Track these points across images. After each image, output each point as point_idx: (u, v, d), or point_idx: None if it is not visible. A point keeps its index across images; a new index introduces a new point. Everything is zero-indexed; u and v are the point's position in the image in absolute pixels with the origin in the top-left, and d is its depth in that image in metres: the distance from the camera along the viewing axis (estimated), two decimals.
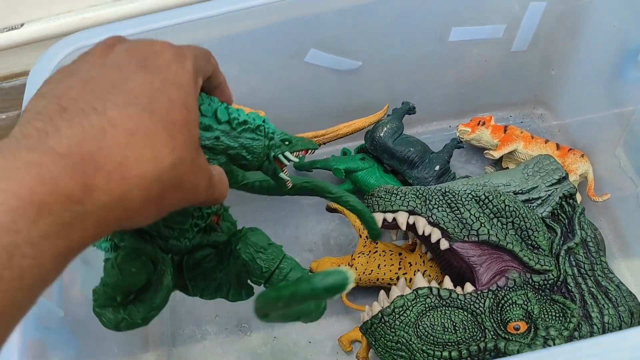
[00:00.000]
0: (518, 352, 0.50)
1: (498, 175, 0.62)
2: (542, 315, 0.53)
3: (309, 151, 0.39)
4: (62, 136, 0.25)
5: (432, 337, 0.52)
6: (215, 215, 0.42)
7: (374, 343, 0.53)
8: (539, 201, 0.60)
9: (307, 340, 0.62)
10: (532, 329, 0.53)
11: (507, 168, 0.70)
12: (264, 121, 0.38)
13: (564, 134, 0.72)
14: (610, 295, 0.55)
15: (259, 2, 0.58)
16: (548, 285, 0.55)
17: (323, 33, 0.63)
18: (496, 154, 0.68)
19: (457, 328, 0.53)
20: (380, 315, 0.52)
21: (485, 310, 0.54)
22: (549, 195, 0.60)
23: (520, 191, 0.60)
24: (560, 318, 0.53)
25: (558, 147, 0.67)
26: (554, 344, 0.50)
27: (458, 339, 0.52)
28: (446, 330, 0.53)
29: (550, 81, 0.71)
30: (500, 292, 0.54)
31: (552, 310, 0.54)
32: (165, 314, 0.66)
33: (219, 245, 0.43)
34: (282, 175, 0.39)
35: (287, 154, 0.39)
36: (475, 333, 0.53)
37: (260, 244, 0.43)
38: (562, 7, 0.62)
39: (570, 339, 0.52)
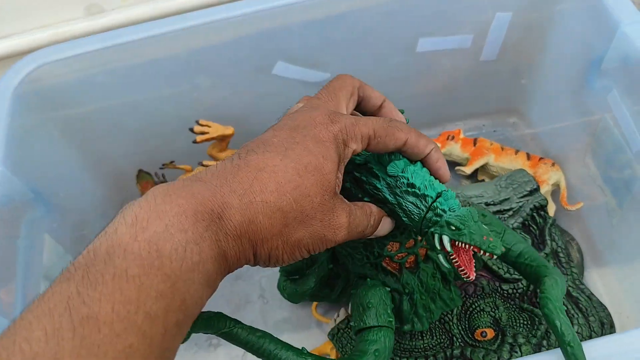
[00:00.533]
0: (484, 358, 0.50)
1: (471, 187, 0.62)
2: (510, 323, 0.53)
3: (483, 253, 0.36)
4: (208, 170, 0.32)
5: (399, 344, 0.51)
6: (394, 261, 0.44)
7: (341, 349, 0.53)
8: (510, 212, 0.60)
9: None
10: (500, 336, 0.52)
11: (483, 181, 0.70)
12: (440, 194, 0.37)
13: (537, 143, 0.72)
14: (581, 306, 0.55)
15: (223, 15, 0.58)
16: (517, 294, 0.55)
17: (290, 45, 0.63)
18: (467, 170, 0.68)
19: (424, 335, 0.53)
20: (347, 320, 0.52)
21: (453, 318, 0.53)
22: (520, 207, 0.60)
23: (492, 202, 0.60)
24: (528, 326, 0.53)
25: (529, 157, 0.67)
26: (521, 351, 0.50)
27: (425, 345, 0.52)
28: (414, 337, 0.52)
29: (521, 90, 0.71)
30: (469, 300, 0.54)
31: (521, 318, 0.54)
32: None
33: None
34: (438, 257, 0.39)
35: (445, 238, 0.37)
36: (442, 340, 0.53)
37: None
38: (527, 18, 0.62)
39: (538, 347, 0.52)
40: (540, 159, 0.67)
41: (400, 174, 0.38)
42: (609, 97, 0.55)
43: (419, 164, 0.39)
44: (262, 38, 0.61)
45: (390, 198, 0.39)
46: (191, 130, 0.63)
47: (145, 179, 0.67)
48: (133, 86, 0.64)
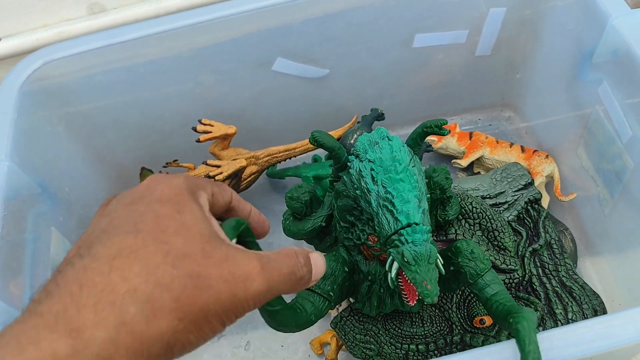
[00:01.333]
0: (483, 343, 0.51)
1: (468, 180, 0.64)
2: None
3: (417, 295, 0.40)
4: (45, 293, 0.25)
5: (400, 330, 0.53)
6: (370, 250, 0.47)
7: (343, 337, 0.54)
8: (506, 205, 0.61)
9: (279, 344, 0.62)
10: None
11: (479, 173, 0.71)
12: (410, 225, 0.40)
13: (531, 136, 0.74)
14: (575, 294, 0.57)
15: (224, 13, 0.60)
16: (514, 283, 0.56)
17: (289, 42, 0.64)
18: (463, 162, 0.70)
19: (425, 322, 0.54)
20: (349, 308, 0.53)
21: (452, 306, 0.55)
22: (515, 200, 0.61)
23: (488, 195, 0.62)
24: None
25: (523, 149, 0.68)
26: None
27: (426, 332, 0.53)
28: (414, 324, 0.54)
29: (515, 84, 0.73)
30: (466, 290, 0.55)
31: None
32: None
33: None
34: (389, 273, 0.41)
35: (395, 264, 0.40)
36: (442, 327, 0.54)
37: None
38: (521, 13, 0.64)
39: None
40: (535, 151, 0.68)
41: (390, 188, 0.41)
42: (600, 90, 0.56)
43: (412, 183, 0.42)
44: (263, 35, 0.63)
45: (374, 204, 0.42)
46: (194, 129, 0.64)
47: (148, 176, 0.68)
48: (136, 84, 0.66)
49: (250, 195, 0.72)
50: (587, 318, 0.55)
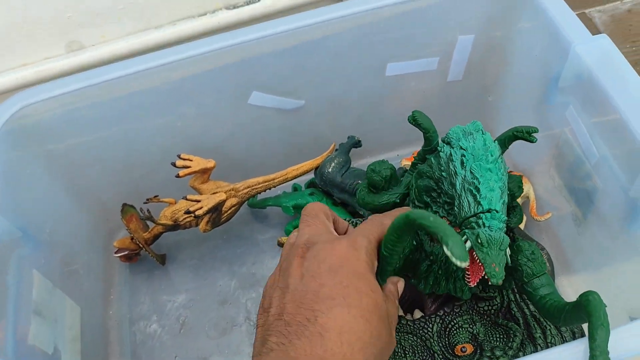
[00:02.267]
0: None
1: None
2: (487, 337, 0.55)
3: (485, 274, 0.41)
4: (296, 346, 0.34)
5: None
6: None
7: None
8: None
9: None
10: (478, 350, 0.54)
11: None
12: (490, 210, 0.42)
13: (506, 157, 0.73)
14: None
15: (197, 51, 0.61)
16: (493, 310, 0.57)
17: (264, 75, 0.65)
18: None
19: (406, 352, 0.55)
20: None
21: (433, 335, 0.55)
22: None
23: None
24: (504, 339, 0.55)
25: None
26: None
27: None
28: (396, 354, 0.54)
29: (488, 107, 0.74)
30: (447, 317, 0.56)
31: (497, 333, 0.56)
32: (127, 355, 0.67)
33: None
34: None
35: (467, 244, 0.41)
36: (424, 357, 0.55)
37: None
38: (488, 39, 0.66)
39: (515, 358, 0.54)
40: (510, 172, 0.69)
41: (477, 174, 0.43)
42: (567, 113, 0.58)
43: (498, 175, 0.44)
44: (237, 69, 0.64)
45: (458, 187, 0.44)
46: (173, 164, 0.65)
47: (129, 212, 0.69)
48: (115, 119, 0.66)
49: (232, 226, 0.72)
50: (566, 341, 0.56)
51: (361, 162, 0.76)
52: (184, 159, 0.66)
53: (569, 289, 0.64)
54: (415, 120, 0.54)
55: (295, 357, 0.33)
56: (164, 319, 0.68)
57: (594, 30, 0.87)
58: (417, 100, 0.72)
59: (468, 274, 0.42)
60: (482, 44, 0.66)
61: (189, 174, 0.65)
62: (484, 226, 0.42)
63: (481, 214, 0.42)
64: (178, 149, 0.67)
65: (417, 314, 0.57)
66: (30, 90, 0.61)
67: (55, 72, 0.84)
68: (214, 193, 0.66)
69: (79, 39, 0.84)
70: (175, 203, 0.68)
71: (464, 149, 0.45)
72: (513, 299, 0.57)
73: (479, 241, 0.41)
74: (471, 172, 0.44)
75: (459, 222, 0.44)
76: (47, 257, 0.59)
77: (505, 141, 0.53)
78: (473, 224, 0.42)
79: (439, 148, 0.48)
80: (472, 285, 0.43)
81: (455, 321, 0.55)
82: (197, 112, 0.68)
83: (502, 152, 0.52)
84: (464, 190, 0.43)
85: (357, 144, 0.71)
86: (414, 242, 0.49)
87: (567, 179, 0.62)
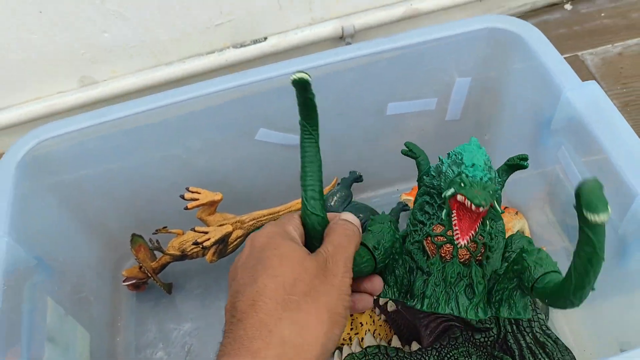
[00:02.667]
0: None
1: None
2: None
3: (470, 204, 0.40)
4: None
5: None
6: (433, 242, 0.48)
7: None
8: None
9: None
10: None
11: None
12: (473, 165, 0.44)
13: (502, 194, 0.78)
14: (548, 350, 0.60)
15: (206, 91, 0.64)
16: (489, 342, 0.59)
17: (269, 112, 0.68)
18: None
19: None
20: (363, 351, 0.56)
21: None
22: None
23: None
24: None
25: None
26: None
27: None
28: None
29: (484, 145, 0.76)
30: (444, 350, 0.58)
31: None
32: None
33: None
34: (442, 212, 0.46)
35: (449, 191, 0.42)
36: None
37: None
38: (484, 82, 0.69)
39: None
40: (505, 208, 0.72)
41: (463, 154, 0.45)
42: (559, 153, 0.61)
43: (484, 156, 0.46)
44: (243, 107, 0.67)
45: (444, 167, 0.46)
46: (182, 197, 0.68)
47: (138, 242, 0.71)
48: (124, 152, 0.69)
49: None
50: None
51: (362, 196, 0.79)
52: (193, 192, 0.68)
53: (563, 321, 0.66)
54: (408, 147, 0.58)
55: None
56: (170, 347, 0.70)
57: (586, 72, 0.91)
58: (416, 138, 0.75)
59: (456, 229, 0.43)
60: (478, 85, 0.70)
61: (197, 206, 0.68)
62: (467, 177, 0.42)
63: (464, 169, 0.43)
64: (185, 182, 0.69)
65: (415, 346, 0.59)
66: (45, 127, 0.64)
67: (68, 105, 0.87)
68: (220, 225, 0.69)
69: (91, 74, 0.87)
70: (183, 234, 0.70)
71: (457, 152, 0.47)
72: (510, 330, 0.59)
73: (462, 184, 0.41)
74: (457, 154, 0.46)
75: (445, 188, 0.44)
76: (59, 284, 0.62)
77: (499, 173, 0.55)
78: (456, 180, 0.43)
79: (438, 162, 0.50)
80: (462, 242, 0.43)
81: (451, 354, 0.57)
82: (203, 147, 0.71)
83: (500, 188, 0.54)
84: (449, 166, 0.45)
85: (359, 178, 0.74)
86: (397, 236, 0.47)
87: (559, 215, 0.65)
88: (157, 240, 0.70)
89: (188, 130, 0.69)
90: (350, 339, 0.64)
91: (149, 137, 0.68)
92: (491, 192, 0.41)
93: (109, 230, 0.74)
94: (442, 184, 0.47)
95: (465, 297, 0.47)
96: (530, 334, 0.59)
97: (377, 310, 0.65)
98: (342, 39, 0.91)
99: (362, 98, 0.70)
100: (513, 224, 0.70)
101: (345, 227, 0.43)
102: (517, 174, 0.73)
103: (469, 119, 0.74)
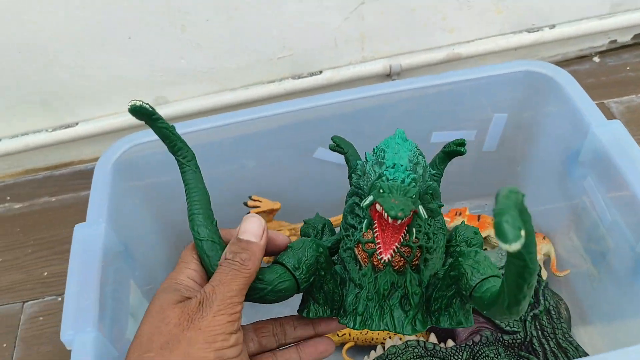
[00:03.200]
0: None
1: None
2: None
3: (383, 211, 0.37)
4: None
5: None
6: (364, 250, 0.44)
7: None
8: None
9: None
10: None
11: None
12: (394, 165, 0.40)
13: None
14: (569, 355, 0.66)
15: (267, 113, 0.73)
16: (516, 344, 0.66)
17: (326, 134, 0.77)
18: None
19: None
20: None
21: None
22: None
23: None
24: None
25: None
26: None
27: None
28: None
29: (516, 176, 0.86)
30: (475, 347, 0.65)
31: None
32: None
33: None
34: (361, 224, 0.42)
35: (368, 198, 0.38)
36: None
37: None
38: (520, 118, 0.78)
39: None
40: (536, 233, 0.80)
41: (385, 147, 0.43)
42: (585, 183, 0.69)
43: (409, 148, 0.43)
44: (303, 128, 0.76)
45: (368, 168, 0.43)
46: (245, 204, 0.77)
47: None
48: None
49: None
50: None
51: None
52: (255, 200, 0.77)
53: (585, 338, 0.72)
54: (335, 142, 0.56)
55: None
56: None
57: (611, 117, 0.99)
58: (455, 165, 0.83)
59: (378, 242, 0.39)
60: (513, 121, 0.78)
61: (258, 212, 0.77)
62: (388, 180, 0.39)
63: (384, 171, 0.40)
64: (245, 191, 0.78)
65: (450, 343, 0.66)
66: (137, 134, 0.74)
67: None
68: (277, 230, 0.77)
69: (164, 94, 0.98)
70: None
71: (381, 148, 0.44)
72: (535, 335, 0.66)
73: (381, 190, 0.37)
74: (380, 150, 0.42)
75: (367, 192, 0.40)
76: (139, 270, 0.70)
77: (437, 162, 0.54)
78: (377, 183, 0.39)
79: (364, 159, 0.46)
80: (385, 257, 0.38)
81: (482, 351, 0.64)
82: (265, 162, 0.80)
83: (439, 178, 0.54)
84: (372, 166, 0.41)
85: None
86: (320, 249, 0.43)
87: (584, 241, 0.72)
88: None
89: (253, 147, 0.78)
90: (390, 337, 0.71)
91: (218, 151, 0.77)
92: (414, 196, 0.38)
93: (178, 232, 0.83)
94: (365, 186, 0.43)
95: (401, 310, 0.43)
96: (554, 340, 0.66)
97: None
98: (389, 76, 1.00)
99: (410, 127, 0.78)
100: (540, 248, 0.78)
101: (230, 260, 0.39)
102: (547, 203, 0.81)
103: (503, 151, 0.82)
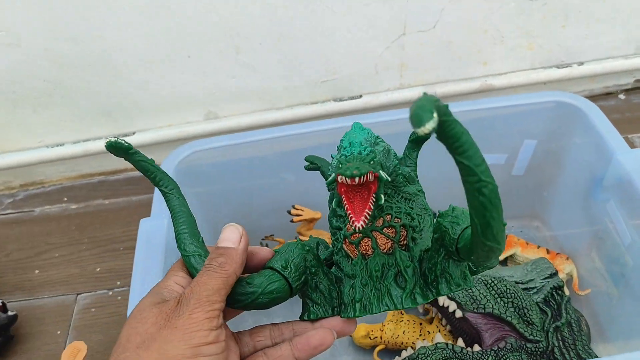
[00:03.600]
0: None
1: (504, 269, 0.80)
2: None
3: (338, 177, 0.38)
4: None
5: None
6: (351, 242, 0.44)
7: None
8: (535, 290, 0.77)
9: None
10: None
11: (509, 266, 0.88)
12: (350, 143, 0.40)
13: (555, 241, 0.91)
14: None
15: (313, 129, 0.80)
16: (539, 352, 0.71)
17: None
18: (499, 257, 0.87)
19: None
20: (407, 359, 0.68)
21: None
22: (543, 286, 0.77)
23: (521, 281, 0.78)
24: None
25: (548, 251, 0.85)
26: None
27: None
28: None
29: (543, 200, 0.91)
30: (500, 352, 0.70)
31: None
32: None
33: None
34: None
35: (332, 176, 0.39)
36: None
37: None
38: (548, 144, 0.84)
39: None
40: (557, 253, 0.85)
41: (344, 137, 0.42)
42: (608, 206, 0.74)
43: (358, 135, 0.42)
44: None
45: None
46: (289, 212, 0.83)
47: None
48: (242, 174, 0.85)
49: None
50: None
51: None
52: (297, 209, 0.84)
53: (604, 353, 0.77)
54: (309, 161, 0.57)
55: None
56: None
57: None
58: None
59: (350, 216, 0.38)
60: (542, 148, 0.84)
61: (300, 220, 0.83)
62: (345, 156, 0.39)
63: (342, 152, 0.40)
64: (288, 201, 0.85)
65: (476, 347, 0.71)
66: (196, 142, 0.81)
67: (194, 133, 1.05)
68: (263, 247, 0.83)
69: (215, 110, 1.06)
70: (284, 242, 0.85)
71: (340, 140, 0.43)
72: (557, 345, 0.71)
73: (340, 165, 0.37)
74: (340, 142, 0.42)
75: (332, 179, 0.39)
76: None
77: (407, 153, 0.54)
78: (336, 161, 0.39)
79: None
80: (358, 225, 0.38)
81: (507, 356, 0.69)
82: (306, 175, 0.86)
83: (414, 165, 0.54)
84: (335, 158, 0.40)
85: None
86: (333, 274, 0.45)
87: (605, 261, 0.77)
88: (267, 245, 0.85)
89: (294, 161, 0.85)
90: (420, 340, 0.76)
91: (256, 165, 0.84)
92: (372, 162, 0.38)
93: None
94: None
95: (397, 287, 0.44)
96: (574, 350, 0.71)
97: (443, 320, 0.77)
98: None
99: (444, 149, 0.85)
100: (564, 267, 0.83)
101: (210, 261, 0.41)
102: (571, 226, 0.86)
103: (531, 175, 0.88)
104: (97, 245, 1.01)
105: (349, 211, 0.38)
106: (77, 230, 1.03)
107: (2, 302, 0.85)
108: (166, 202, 0.46)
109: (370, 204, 0.38)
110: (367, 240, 0.43)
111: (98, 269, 0.97)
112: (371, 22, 0.95)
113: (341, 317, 0.45)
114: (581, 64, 1.08)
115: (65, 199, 1.09)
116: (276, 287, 0.42)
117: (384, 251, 0.43)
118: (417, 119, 0.26)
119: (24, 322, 0.90)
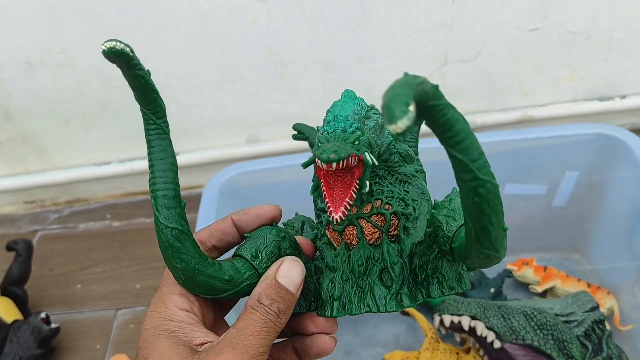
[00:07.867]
0: None
1: (544, 301, 0.79)
2: None
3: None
4: None
5: None
6: (334, 229, 0.40)
7: None
8: (575, 323, 0.76)
9: None
10: None
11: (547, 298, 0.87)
12: (335, 117, 0.37)
13: (595, 275, 0.89)
14: None
15: None
16: None
17: None
18: (539, 288, 0.86)
19: None
20: None
21: None
22: (583, 320, 0.76)
23: (561, 314, 0.77)
24: None
25: (589, 285, 0.84)
26: None
27: None
28: None
29: (583, 233, 0.90)
30: None
31: None
32: None
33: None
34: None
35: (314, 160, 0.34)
36: None
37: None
38: (590, 177, 0.83)
39: None
40: (598, 287, 0.84)
41: (330, 107, 0.39)
42: None
43: (346, 106, 0.38)
44: None
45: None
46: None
47: None
48: (282, 197, 0.87)
49: None
50: None
51: None
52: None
53: None
54: (297, 130, 0.52)
55: None
56: None
57: None
58: (525, 217, 0.89)
59: (328, 205, 0.34)
60: (584, 180, 0.84)
61: None
62: (328, 134, 0.35)
63: (325, 127, 0.36)
64: None
65: None
66: (239, 164, 0.83)
67: (235, 156, 1.08)
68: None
69: (257, 134, 1.08)
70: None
71: (327, 110, 0.39)
72: None
73: (319, 144, 0.33)
74: (327, 112, 0.38)
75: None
76: None
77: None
78: (315, 142, 0.35)
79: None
80: (336, 217, 0.33)
81: None
82: None
83: (415, 143, 0.48)
84: (319, 132, 0.36)
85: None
86: (282, 234, 0.39)
87: None
88: None
89: None
90: None
91: (305, 187, 0.85)
92: (356, 142, 0.34)
93: None
94: None
95: (382, 286, 0.38)
96: None
97: (481, 350, 0.77)
98: None
99: None
100: (605, 302, 0.81)
101: (266, 307, 0.34)
102: (613, 261, 0.85)
103: (572, 207, 0.88)
104: (138, 263, 1.03)
105: (327, 199, 0.33)
106: (119, 247, 1.06)
107: (46, 315, 0.87)
108: (146, 134, 0.36)
109: (352, 192, 0.34)
110: (352, 228, 0.38)
111: (138, 286, 0.99)
112: (413, 51, 0.97)
113: (317, 314, 0.39)
114: (624, 97, 1.07)
115: (109, 216, 1.13)
116: (248, 283, 0.37)
117: (371, 242, 0.38)
118: (388, 114, 0.21)
119: (64, 335, 0.92)
